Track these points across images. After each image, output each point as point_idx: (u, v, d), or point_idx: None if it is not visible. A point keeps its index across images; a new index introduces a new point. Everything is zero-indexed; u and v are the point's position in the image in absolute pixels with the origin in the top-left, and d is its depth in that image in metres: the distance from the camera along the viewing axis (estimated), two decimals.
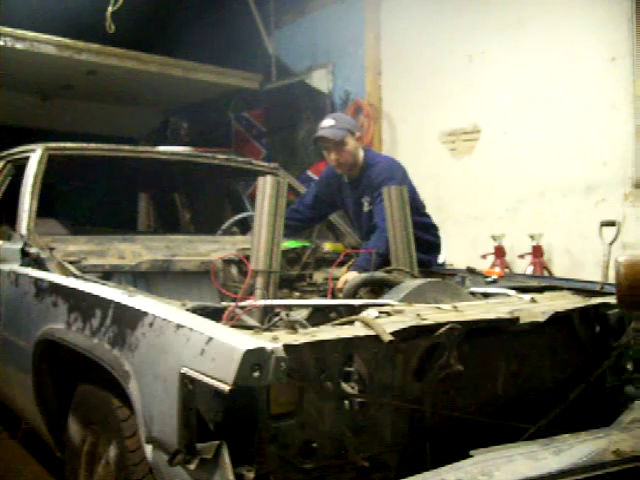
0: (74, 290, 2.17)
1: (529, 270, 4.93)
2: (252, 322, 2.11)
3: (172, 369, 1.54)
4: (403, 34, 6.26)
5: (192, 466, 1.46)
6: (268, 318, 2.11)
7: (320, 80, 7.09)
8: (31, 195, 2.88)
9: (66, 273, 2.40)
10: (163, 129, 8.86)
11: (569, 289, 2.53)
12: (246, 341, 1.43)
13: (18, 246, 2.74)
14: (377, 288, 2.57)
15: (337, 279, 2.82)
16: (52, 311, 2.25)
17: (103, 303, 1.96)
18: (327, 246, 3.30)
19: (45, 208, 2.96)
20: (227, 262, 2.88)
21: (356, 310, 2.11)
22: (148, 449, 1.64)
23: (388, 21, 6.44)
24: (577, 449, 1.66)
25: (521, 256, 5.17)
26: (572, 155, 5.03)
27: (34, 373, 2.35)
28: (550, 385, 2.10)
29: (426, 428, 1.81)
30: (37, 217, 2.83)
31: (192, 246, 3.02)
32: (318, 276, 3.01)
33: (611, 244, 4.47)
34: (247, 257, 2.58)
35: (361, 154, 3.29)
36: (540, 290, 2.59)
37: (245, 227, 3.82)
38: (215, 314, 1.91)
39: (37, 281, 2.44)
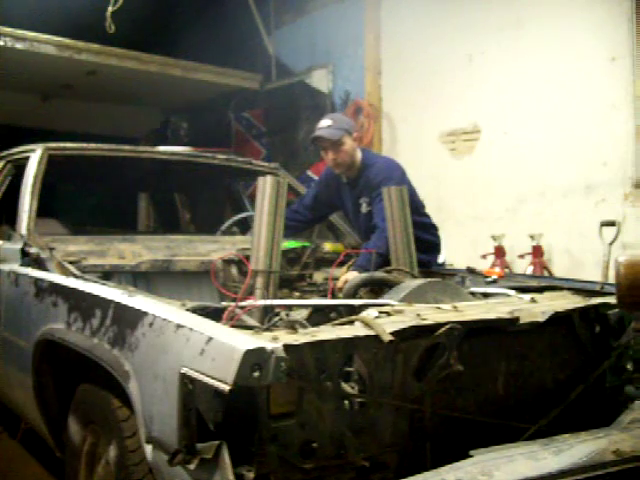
0: (74, 290, 2.17)
1: (529, 270, 4.92)
2: (252, 322, 2.11)
3: (172, 369, 1.54)
4: (403, 34, 6.26)
5: (192, 466, 1.46)
6: (268, 318, 2.11)
7: (320, 80, 7.09)
8: (31, 195, 2.88)
9: (66, 273, 2.40)
10: (163, 129, 8.85)
11: (569, 289, 2.53)
12: (246, 341, 1.43)
13: (18, 246, 2.74)
14: (377, 288, 2.57)
15: (337, 279, 2.82)
16: (52, 311, 2.25)
17: (103, 303, 1.96)
18: (327, 246, 3.31)
19: (45, 208, 2.96)
20: (227, 262, 2.88)
21: (356, 310, 2.11)
22: (148, 449, 1.64)
23: (388, 21, 6.44)
24: (577, 449, 1.66)
25: (521, 256, 5.17)
26: (572, 155, 5.02)
27: (34, 373, 2.35)
28: (550, 385, 2.10)
29: (426, 428, 1.81)
30: (37, 217, 2.83)
31: (192, 246, 3.02)
32: (318, 276, 3.02)
33: (611, 244, 4.47)
34: (247, 257, 2.58)
35: (359, 155, 3.29)
36: (540, 290, 2.59)
37: (245, 227, 3.83)
38: (215, 314, 1.91)
39: (37, 281, 2.44)
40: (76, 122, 7.77)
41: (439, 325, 1.76)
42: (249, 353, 1.37)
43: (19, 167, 3.19)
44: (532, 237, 5.04)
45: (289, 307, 2.26)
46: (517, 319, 1.92)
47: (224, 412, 1.46)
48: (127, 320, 1.81)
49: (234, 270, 2.88)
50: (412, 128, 6.25)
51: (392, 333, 1.67)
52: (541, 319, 1.96)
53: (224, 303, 2.11)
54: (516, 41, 5.37)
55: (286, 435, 1.54)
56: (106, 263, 2.70)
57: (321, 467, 1.60)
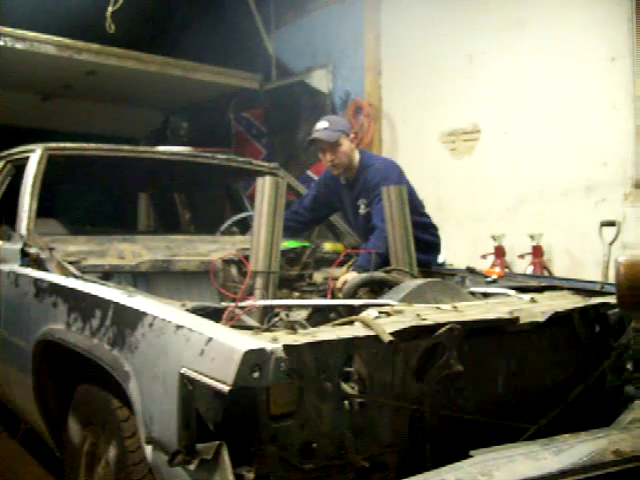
0: (74, 290, 2.17)
1: (529, 270, 4.92)
2: (252, 322, 2.11)
3: (172, 369, 1.54)
4: (403, 34, 6.26)
5: (192, 466, 1.46)
6: (268, 318, 2.11)
7: (320, 80, 7.09)
8: (31, 195, 2.88)
9: (66, 273, 2.40)
10: (163, 129, 8.85)
11: (569, 289, 2.53)
12: (246, 341, 1.43)
13: (18, 246, 2.73)
14: (377, 288, 2.57)
15: (337, 279, 2.82)
16: (52, 311, 2.25)
17: (103, 303, 1.96)
18: (327, 246, 3.31)
19: (45, 208, 2.96)
20: (227, 262, 2.88)
21: (356, 310, 2.11)
22: (148, 449, 1.64)
23: (388, 21, 6.43)
24: (577, 449, 1.65)
25: (521, 256, 5.17)
26: (572, 155, 5.02)
27: (34, 373, 2.35)
28: (550, 385, 2.10)
29: (426, 428, 1.81)
30: (37, 217, 2.83)
31: (192, 246, 3.02)
32: (318, 276, 3.01)
33: (611, 244, 4.47)
34: (247, 257, 2.58)
35: (357, 156, 3.29)
36: (540, 290, 2.59)
37: (245, 227, 3.83)
38: (215, 314, 1.91)
39: (37, 281, 2.44)
40: (76, 122, 7.77)
41: (439, 325, 1.76)
42: (249, 354, 1.37)
43: (19, 167, 3.19)
44: (532, 237, 5.04)
45: (289, 307, 2.26)
46: (517, 319, 1.92)
47: (224, 412, 1.46)
48: (127, 320, 1.81)
49: (234, 270, 2.88)
50: (412, 128, 6.25)
51: (392, 333, 1.67)
52: (541, 319, 1.95)
53: (224, 303, 2.11)
54: (516, 41, 5.37)
55: (286, 435, 1.54)
56: (106, 263, 2.70)
57: (321, 467, 1.60)
